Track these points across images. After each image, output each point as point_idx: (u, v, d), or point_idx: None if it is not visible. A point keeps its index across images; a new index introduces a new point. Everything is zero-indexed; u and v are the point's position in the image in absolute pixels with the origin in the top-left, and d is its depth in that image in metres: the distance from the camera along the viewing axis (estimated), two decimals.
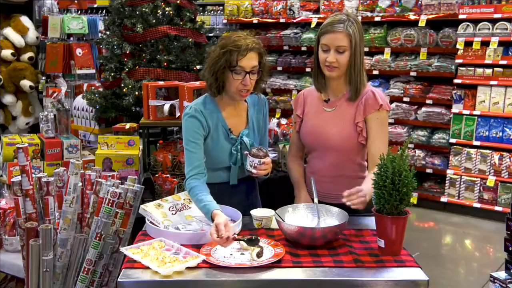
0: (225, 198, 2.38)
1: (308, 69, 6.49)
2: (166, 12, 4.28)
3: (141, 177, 3.35)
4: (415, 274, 1.86)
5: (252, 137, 2.46)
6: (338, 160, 2.39)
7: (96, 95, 4.38)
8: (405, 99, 5.91)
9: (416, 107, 5.88)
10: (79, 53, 5.71)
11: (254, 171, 2.30)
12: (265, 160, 2.29)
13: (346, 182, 2.27)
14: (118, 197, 2.17)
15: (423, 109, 5.78)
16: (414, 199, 5.35)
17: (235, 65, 2.27)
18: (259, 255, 1.91)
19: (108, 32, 4.48)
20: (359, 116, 2.35)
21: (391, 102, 5.97)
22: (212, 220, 2.09)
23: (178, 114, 3.59)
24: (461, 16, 5.48)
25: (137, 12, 4.27)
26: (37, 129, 5.31)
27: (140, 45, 4.33)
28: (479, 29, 5.37)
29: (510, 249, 2.54)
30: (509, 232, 2.53)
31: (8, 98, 5.54)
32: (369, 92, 2.37)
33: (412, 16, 5.79)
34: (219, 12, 7.48)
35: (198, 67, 4.27)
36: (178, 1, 4.34)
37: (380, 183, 1.94)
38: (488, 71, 5.38)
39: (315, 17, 6.46)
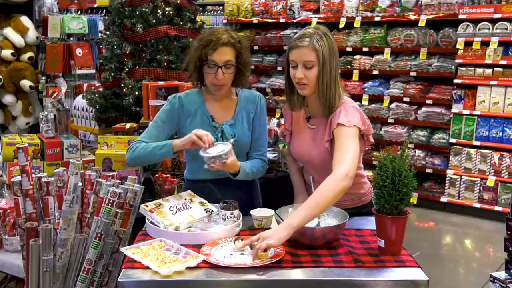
0: (219, 195, 2.41)
1: None
2: (166, 12, 4.28)
3: (141, 177, 3.35)
4: (415, 274, 1.86)
5: (240, 129, 2.46)
6: (328, 173, 2.19)
7: (96, 95, 4.38)
8: (405, 99, 5.91)
9: (416, 107, 5.88)
10: (79, 53, 5.71)
11: (227, 224, 2.18)
12: (235, 212, 2.20)
13: None
14: (118, 197, 2.17)
15: (423, 109, 5.78)
16: (414, 199, 5.35)
17: (207, 59, 2.34)
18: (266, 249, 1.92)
19: (108, 32, 4.48)
20: (327, 135, 2.27)
21: (391, 102, 5.99)
22: (174, 152, 2.33)
23: None
24: (461, 16, 5.48)
25: (137, 12, 4.27)
26: (37, 129, 5.31)
27: (140, 45, 4.33)
28: (479, 29, 5.37)
29: (510, 249, 2.54)
30: (509, 232, 2.53)
31: (8, 98, 5.54)
32: (338, 109, 2.26)
33: (412, 16, 5.79)
34: (219, 12, 7.49)
35: None
36: (178, 1, 4.34)
37: (380, 183, 1.94)
38: (488, 71, 5.38)
39: (315, 17, 6.46)
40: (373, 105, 6.09)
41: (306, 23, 6.63)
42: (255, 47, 6.96)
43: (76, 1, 6.09)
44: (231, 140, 2.34)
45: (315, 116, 2.38)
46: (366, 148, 2.41)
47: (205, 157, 2.21)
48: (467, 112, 5.53)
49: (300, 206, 2.05)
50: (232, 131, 2.44)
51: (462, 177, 5.54)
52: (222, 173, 2.47)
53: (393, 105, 5.96)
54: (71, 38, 5.93)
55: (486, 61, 5.37)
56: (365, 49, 6.18)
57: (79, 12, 6.04)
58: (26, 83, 5.48)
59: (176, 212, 2.24)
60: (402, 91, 5.91)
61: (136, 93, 4.11)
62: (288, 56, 2.28)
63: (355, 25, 6.17)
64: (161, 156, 2.39)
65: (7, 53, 5.42)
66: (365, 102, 6.13)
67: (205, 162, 2.22)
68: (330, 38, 2.25)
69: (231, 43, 2.35)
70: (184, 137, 2.31)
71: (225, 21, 7.23)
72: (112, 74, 4.33)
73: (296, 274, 1.86)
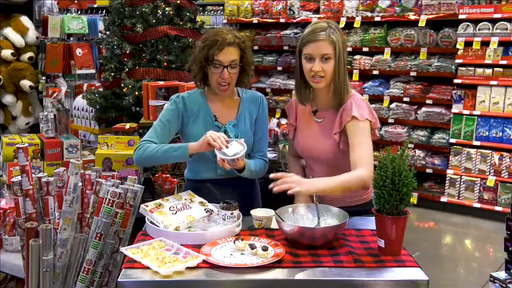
0: (219, 195, 2.41)
1: None
2: (166, 12, 4.28)
3: (141, 177, 3.34)
4: (415, 274, 1.86)
5: (243, 130, 2.48)
6: (333, 168, 2.32)
7: (96, 95, 4.38)
8: (405, 99, 5.91)
9: (416, 107, 5.88)
10: (79, 53, 5.71)
11: (227, 224, 2.18)
12: (235, 212, 2.19)
13: None
14: (118, 197, 2.17)
15: (423, 109, 5.78)
16: (414, 199, 5.35)
17: (212, 59, 2.35)
18: (265, 249, 1.92)
19: (108, 32, 4.48)
20: (337, 127, 2.30)
21: (391, 102, 5.99)
22: (190, 156, 2.33)
23: None
24: (461, 16, 5.48)
25: (137, 12, 4.27)
26: (37, 129, 5.31)
27: (140, 45, 4.33)
28: (479, 29, 5.37)
29: (510, 249, 2.54)
30: (509, 232, 2.53)
31: (8, 98, 5.54)
32: (348, 102, 2.30)
33: (412, 16, 5.79)
34: (219, 12, 7.50)
35: None
36: (178, 1, 4.34)
37: (380, 183, 1.94)
38: (488, 71, 5.38)
39: (315, 17, 6.46)
40: (373, 105, 6.08)
41: (306, 23, 6.62)
42: (255, 47, 6.96)
43: (76, 1, 6.10)
44: (242, 139, 2.34)
45: (322, 109, 2.40)
46: None
47: (225, 159, 2.24)
48: (467, 112, 5.53)
49: (324, 177, 2.20)
50: (235, 131, 2.45)
51: (462, 177, 5.54)
52: (222, 173, 2.47)
53: (393, 105, 5.96)
54: (71, 38, 5.93)
55: (486, 61, 5.36)
56: (365, 49, 6.18)
57: (79, 12, 6.05)
58: (26, 83, 5.49)
59: (176, 212, 2.24)
60: (402, 91, 5.91)
61: (136, 93, 4.12)
62: (300, 50, 2.32)
63: (355, 25, 6.17)
64: (176, 158, 2.41)
65: (7, 53, 5.42)
66: None
67: (219, 158, 2.26)
68: (341, 32, 2.31)
69: (236, 43, 2.37)
70: (199, 140, 2.30)
71: (225, 21, 7.23)
72: (112, 74, 4.33)
73: (296, 274, 1.86)
